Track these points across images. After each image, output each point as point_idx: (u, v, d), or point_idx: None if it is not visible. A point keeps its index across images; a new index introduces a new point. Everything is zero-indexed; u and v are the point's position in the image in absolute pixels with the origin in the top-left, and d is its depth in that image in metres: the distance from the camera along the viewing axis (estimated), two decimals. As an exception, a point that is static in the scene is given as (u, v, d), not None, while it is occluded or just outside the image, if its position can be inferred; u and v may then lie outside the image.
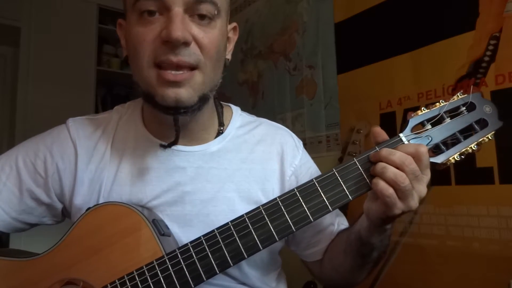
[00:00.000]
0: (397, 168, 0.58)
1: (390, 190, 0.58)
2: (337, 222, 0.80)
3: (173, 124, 0.67)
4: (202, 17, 0.64)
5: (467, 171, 1.25)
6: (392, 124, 1.49)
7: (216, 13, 0.65)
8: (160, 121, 0.73)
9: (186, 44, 0.62)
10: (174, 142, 0.69)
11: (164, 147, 0.71)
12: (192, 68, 0.64)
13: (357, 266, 0.73)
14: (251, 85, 2.36)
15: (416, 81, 1.44)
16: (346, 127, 1.70)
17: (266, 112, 2.16)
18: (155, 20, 0.62)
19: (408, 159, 0.58)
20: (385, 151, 0.59)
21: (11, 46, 2.75)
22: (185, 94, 0.63)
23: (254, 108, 2.31)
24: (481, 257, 1.20)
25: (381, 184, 0.58)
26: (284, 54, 2.12)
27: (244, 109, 0.87)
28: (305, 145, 0.88)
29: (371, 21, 1.62)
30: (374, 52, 1.60)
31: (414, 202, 0.59)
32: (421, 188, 0.60)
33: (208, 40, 0.64)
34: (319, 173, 0.86)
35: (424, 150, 0.59)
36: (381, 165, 0.59)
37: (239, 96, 2.40)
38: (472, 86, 0.80)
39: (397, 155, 0.58)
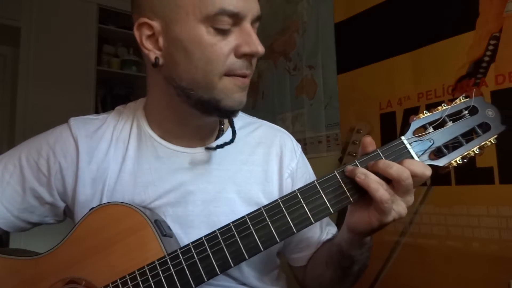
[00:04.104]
0: (394, 180, 0.58)
1: (387, 196, 0.57)
2: (326, 231, 0.81)
3: (197, 126, 0.74)
4: None
5: (467, 171, 1.25)
6: (392, 124, 1.50)
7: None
8: (182, 123, 0.74)
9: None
10: (224, 145, 0.74)
11: (214, 149, 0.74)
12: None
13: (337, 278, 0.74)
14: (251, 85, 2.35)
15: (416, 81, 1.44)
16: (346, 127, 1.70)
17: (266, 112, 2.16)
18: (229, 33, 0.64)
19: (405, 174, 0.57)
20: (382, 164, 0.58)
21: (11, 46, 2.75)
22: (245, 97, 0.71)
23: (254, 108, 2.30)
24: (481, 257, 1.20)
25: (381, 191, 0.57)
26: (284, 54, 2.12)
27: (244, 109, 0.87)
28: (305, 145, 0.88)
29: (371, 21, 1.62)
30: (374, 52, 1.60)
31: (403, 209, 0.59)
32: (410, 199, 0.60)
33: None
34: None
35: (429, 174, 0.59)
36: (361, 171, 0.58)
37: (239, 96, 2.40)
38: (474, 90, 0.80)
39: (394, 168, 0.57)
